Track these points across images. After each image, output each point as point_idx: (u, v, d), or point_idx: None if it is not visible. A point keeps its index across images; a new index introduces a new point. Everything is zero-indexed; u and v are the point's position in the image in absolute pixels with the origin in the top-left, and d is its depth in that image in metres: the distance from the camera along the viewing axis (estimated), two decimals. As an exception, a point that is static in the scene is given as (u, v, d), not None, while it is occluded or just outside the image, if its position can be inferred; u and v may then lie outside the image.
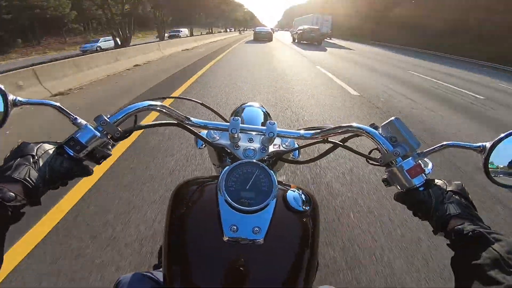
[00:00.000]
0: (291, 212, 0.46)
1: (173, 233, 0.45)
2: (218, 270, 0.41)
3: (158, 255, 1.14)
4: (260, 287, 0.40)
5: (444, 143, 0.45)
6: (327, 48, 18.05)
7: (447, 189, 0.42)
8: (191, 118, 0.53)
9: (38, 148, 0.40)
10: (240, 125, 0.51)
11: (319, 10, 56.77)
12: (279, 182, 0.48)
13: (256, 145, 0.57)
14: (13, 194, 0.33)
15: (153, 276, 0.59)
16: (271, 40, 21.94)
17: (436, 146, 0.45)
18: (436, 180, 0.44)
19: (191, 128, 0.54)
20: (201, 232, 0.44)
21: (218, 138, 0.58)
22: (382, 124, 0.48)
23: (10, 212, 0.33)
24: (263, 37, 20.88)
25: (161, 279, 0.59)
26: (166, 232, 0.46)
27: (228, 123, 0.52)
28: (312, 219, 0.47)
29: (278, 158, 0.60)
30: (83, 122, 0.44)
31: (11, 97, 0.41)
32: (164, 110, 0.50)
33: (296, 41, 21.85)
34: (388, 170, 0.47)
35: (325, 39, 25.40)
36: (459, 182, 0.44)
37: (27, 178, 0.36)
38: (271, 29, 30.95)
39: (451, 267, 0.37)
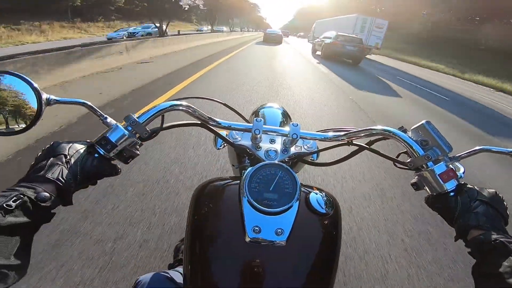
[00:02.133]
0: (314, 214, 0.45)
1: (195, 233, 0.45)
2: (239, 271, 0.41)
3: (174, 255, 1.15)
4: None
5: (478, 147, 0.43)
6: (400, 93, 6.67)
7: (477, 197, 0.40)
8: (215, 119, 0.53)
9: (69, 147, 0.40)
10: (264, 126, 0.51)
11: (350, 9, 35.03)
12: (302, 184, 0.48)
13: (277, 146, 0.57)
14: (47, 195, 0.33)
15: (171, 276, 0.59)
16: (281, 43, 20.96)
17: (470, 150, 0.43)
18: (468, 186, 0.42)
19: (213, 128, 0.55)
20: (223, 232, 0.44)
21: (239, 139, 0.58)
22: (412, 127, 0.47)
23: (43, 212, 0.33)
24: (273, 39, 20.86)
25: (179, 279, 0.59)
26: (188, 233, 0.46)
27: (251, 124, 0.52)
28: (334, 222, 0.46)
29: (299, 159, 0.60)
30: (113, 121, 0.45)
31: (45, 95, 0.41)
32: (189, 110, 0.50)
33: (319, 54, 13.62)
34: (418, 174, 0.46)
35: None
36: (493, 190, 0.41)
37: (60, 178, 0.36)
38: (282, 32, 30.79)
39: (471, 275, 0.36)
